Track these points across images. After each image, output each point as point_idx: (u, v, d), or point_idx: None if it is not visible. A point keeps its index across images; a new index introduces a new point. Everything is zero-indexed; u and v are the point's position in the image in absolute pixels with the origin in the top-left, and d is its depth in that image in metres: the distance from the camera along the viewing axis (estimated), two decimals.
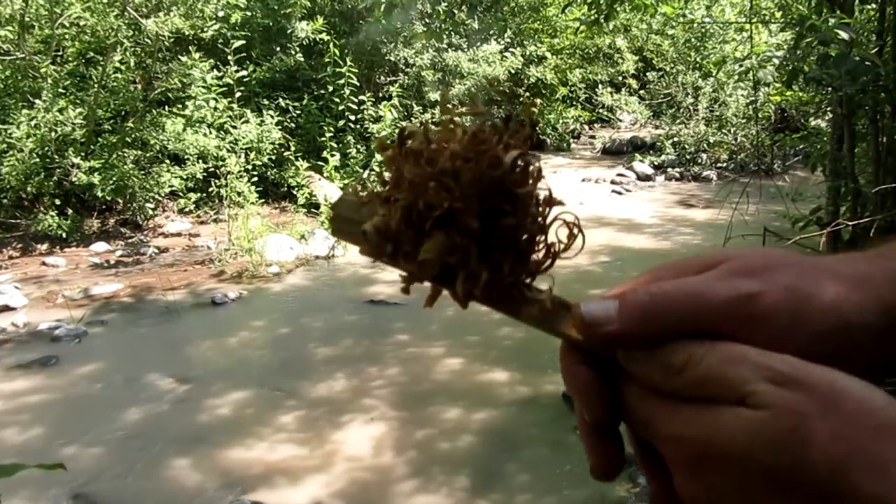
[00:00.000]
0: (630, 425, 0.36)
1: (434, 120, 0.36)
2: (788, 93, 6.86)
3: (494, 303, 0.36)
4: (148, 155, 7.67)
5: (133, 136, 7.66)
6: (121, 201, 7.71)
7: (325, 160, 8.76)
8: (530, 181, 0.35)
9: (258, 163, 8.16)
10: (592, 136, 14.66)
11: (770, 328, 0.33)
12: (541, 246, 0.37)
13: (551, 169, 11.42)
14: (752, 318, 0.33)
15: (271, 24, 9.06)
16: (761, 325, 0.33)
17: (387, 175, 0.37)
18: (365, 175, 8.73)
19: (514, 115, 0.36)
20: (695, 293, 0.34)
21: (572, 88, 14.00)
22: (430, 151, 0.35)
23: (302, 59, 9.13)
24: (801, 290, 0.33)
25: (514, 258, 0.36)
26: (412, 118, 9.88)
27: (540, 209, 0.36)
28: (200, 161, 7.73)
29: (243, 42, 8.25)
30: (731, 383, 0.31)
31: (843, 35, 3.35)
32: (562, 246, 0.37)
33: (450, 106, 0.37)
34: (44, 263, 6.71)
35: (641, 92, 14.59)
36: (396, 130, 0.37)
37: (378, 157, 8.85)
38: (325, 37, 8.80)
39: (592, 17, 5.16)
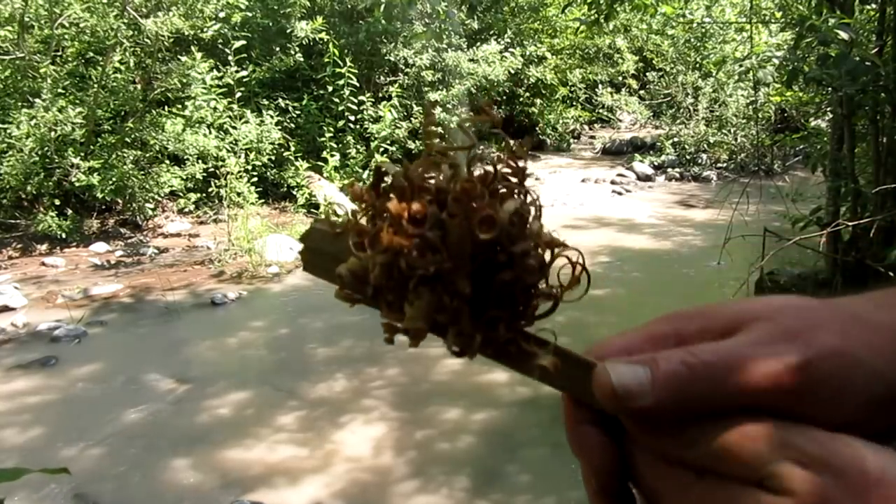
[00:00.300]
0: (638, 489, 0.33)
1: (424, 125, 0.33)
2: (788, 93, 6.87)
3: (490, 357, 0.33)
4: (147, 155, 7.67)
5: (133, 136, 7.66)
6: (120, 201, 7.71)
7: (325, 160, 8.77)
8: (528, 232, 0.32)
9: (258, 163, 8.16)
10: (592, 137, 14.66)
11: (816, 400, 0.30)
12: (541, 291, 0.33)
13: (551, 169, 11.43)
14: (800, 390, 0.30)
15: (271, 24, 9.06)
16: (807, 398, 0.30)
17: (363, 220, 0.32)
18: (364, 175, 8.70)
19: (509, 147, 0.32)
20: (737, 365, 0.30)
21: (572, 88, 13.99)
22: (413, 210, 0.30)
23: (302, 59, 9.13)
24: (847, 355, 0.31)
25: (512, 313, 0.32)
26: (412, 118, 9.87)
27: (540, 251, 0.32)
28: (200, 161, 7.72)
29: (243, 42, 8.25)
30: (750, 462, 0.28)
31: (843, 35, 3.35)
32: (563, 289, 0.33)
33: (432, 129, 0.32)
34: (43, 264, 6.71)
35: (641, 92, 14.59)
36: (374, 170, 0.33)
37: (377, 157, 8.88)
38: (324, 36, 8.80)
39: (592, 17, 5.16)
